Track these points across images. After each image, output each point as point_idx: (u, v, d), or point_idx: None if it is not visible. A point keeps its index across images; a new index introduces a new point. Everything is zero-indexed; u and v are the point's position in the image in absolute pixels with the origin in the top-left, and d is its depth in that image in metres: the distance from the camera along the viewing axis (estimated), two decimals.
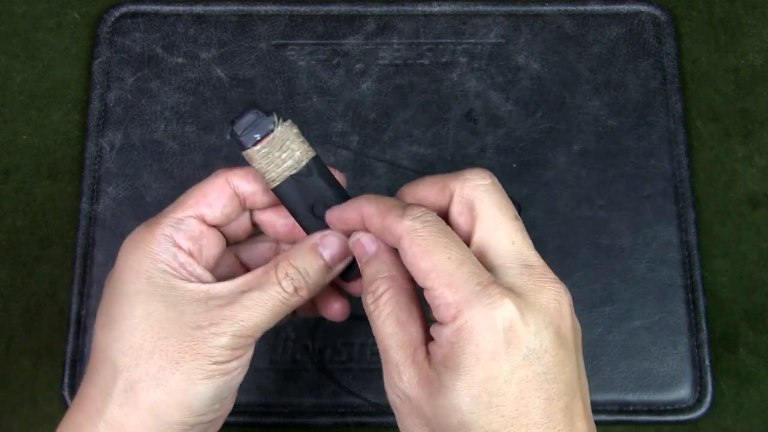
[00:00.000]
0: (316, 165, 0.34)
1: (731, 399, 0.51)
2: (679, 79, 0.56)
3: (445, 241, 0.30)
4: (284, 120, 0.33)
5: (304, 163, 0.34)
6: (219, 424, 0.36)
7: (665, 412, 0.50)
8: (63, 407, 0.50)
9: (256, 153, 0.33)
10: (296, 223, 0.36)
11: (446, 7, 0.58)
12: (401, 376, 0.30)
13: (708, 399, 0.50)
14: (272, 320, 0.33)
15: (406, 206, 0.31)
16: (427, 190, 0.33)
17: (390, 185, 0.53)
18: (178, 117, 0.55)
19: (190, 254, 0.33)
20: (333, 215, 0.34)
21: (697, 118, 0.56)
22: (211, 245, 0.35)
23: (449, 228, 0.31)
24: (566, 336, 0.30)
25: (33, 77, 0.57)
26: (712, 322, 0.52)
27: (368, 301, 0.32)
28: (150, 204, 0.53)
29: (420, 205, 0.32)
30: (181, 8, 0.57)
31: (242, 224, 0.37)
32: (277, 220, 0.36)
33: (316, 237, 0.34)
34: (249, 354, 0.33)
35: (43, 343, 0.51)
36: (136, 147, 0.54)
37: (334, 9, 0.58)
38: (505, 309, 0.28)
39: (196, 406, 0.31)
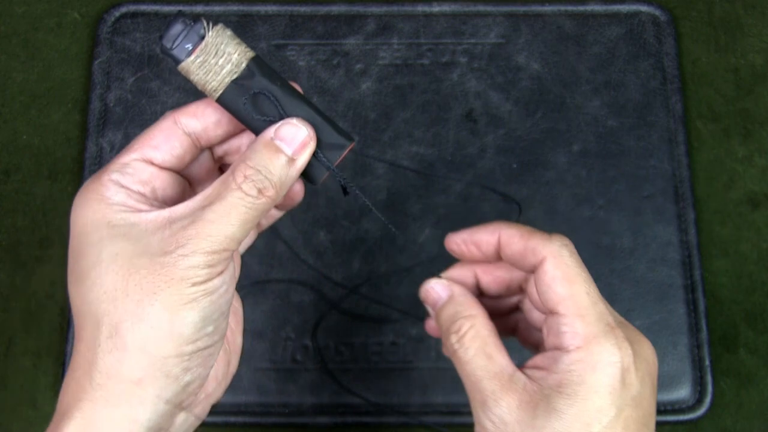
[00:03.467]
0: (257, 65, 0.32)
1: (731, 399, 0.51)
2: (679, 79, 0.56)
3: (586, 275, 0.32)
4: (215, 24, 0.31)
5: (243, 65, 0.31)
6: (231, 352, 0.35)
7: (665, 412, 0.50)
8: None
9: (191, 64, 0.31)
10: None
11: (446, 7, 0.58)
12: (498, 402, 0.31)
13: (708, 399, 0.50)
14: (243, 228, 0.30)
15: (549, 233, 0.33)
16: (515, 242, 0.34)
17: (390, 185, 0.53)
18: None
19: (142, 196, 0.32)
20: (458, 238, 0.35)
21: (697, 118, 0.56)
22: (167, 187, 0.33)
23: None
24: (655, 388, 0.32)
25: (33, 77, 0.57)
26: (712, 322, 0.52)
27: (452, 341, 0.33)
28: None
29: (563, 235, 0.33)
30: (181, 8, 0.57)
31: (204, 165, 0.35)
32: (243, 146, 0.35)
33: (270, 131, 0.32)
34: (231, 270, 0.31)
35: (43, 343, 0.51)
36: None
37: (334, 9, 0.58)
38: (626, 352, 0.30)
39: (186, 333, 0.29)
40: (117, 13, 0.57)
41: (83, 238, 0.31)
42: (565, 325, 0.31)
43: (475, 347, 0.32)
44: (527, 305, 0.37)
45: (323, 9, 0.58)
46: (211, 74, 0.31)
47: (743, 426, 0.51)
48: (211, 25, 0.31)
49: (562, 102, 0.56)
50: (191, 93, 0.55)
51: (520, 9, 0.58)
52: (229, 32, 0.32)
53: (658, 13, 0.58)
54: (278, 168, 0.31)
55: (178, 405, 0.30)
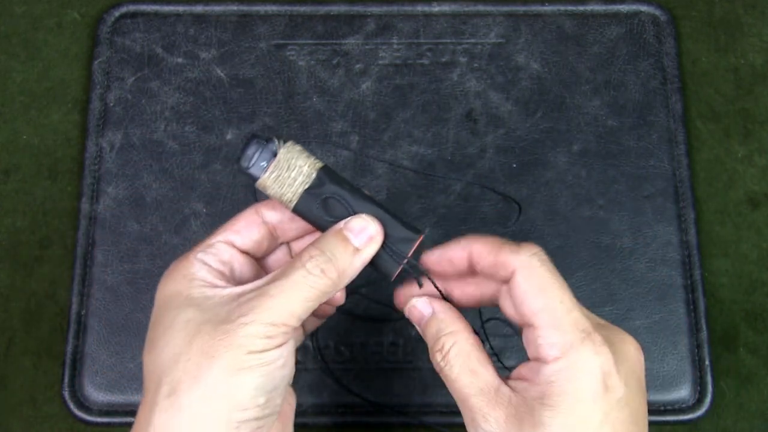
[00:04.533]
0: (326, 173, 0.34)
1: (731, 399, 0.51)
2: (679, 79, 0.56)
3: (558, 283, 0.32)
4: (285, 141, 0.34)
5: (314, 176, 0.34)
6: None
7: (665, 412, 0.50)
8: (63, 407, 0.50)
9: (267, 180, 0.34)
10: None
11: (446, 7, 0.58)
12: (486, 418, 0.31)
13: (708, 399, 0.50)
14: (304, 306, 0.32)
15: (519, 243, 0.33)
16: (487, 252, 0.34)
17: (390, 185, 0.53)
18: (178, 117, 0.55)
19: (221, 274, 0.34)
20: (432, 257, 0.35)
21: (697, 118, 0.56)
22: (245, 270, 0.36)
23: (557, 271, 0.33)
24: (643, 384, 0.32)
25: (33, 77, 0.57)
26: (712, 322, 0.52)
27: (437, 359, 0.34)
28: (150, 204, 0.53)
29: (533, 243, 0.33)
30: (181, 8, 0.57)
31: (282, 259, 0.38)
32: None
33: (341, 224, 0.34)
34: (290, 346, 0.33)
35: (43, 343, 0.51)
36: (136, 147, 0.54)
37: (334, 9, 0.58)
38: (605, 357, 0.31)
39: (239, 399, 0.30)
40: (117, 13, 0.57)
41: (164, 307, 0.33)
42: (541, 337, 0.31)
43: (459, 364, 0.33)
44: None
45: (323, 9, 0.58)
46: (285, 186, 0.34)
47: (743, 426, 0.51)
48: (282, 142, 0.34)
49: (562, 102, 0.56)
50: (191, 93, 0.55)
51: (520, 9, 0.58)
52: (298, 147, 0.34)
53: (658, 13, 0.58)
54: (344, 254, 0.33)
55: None
